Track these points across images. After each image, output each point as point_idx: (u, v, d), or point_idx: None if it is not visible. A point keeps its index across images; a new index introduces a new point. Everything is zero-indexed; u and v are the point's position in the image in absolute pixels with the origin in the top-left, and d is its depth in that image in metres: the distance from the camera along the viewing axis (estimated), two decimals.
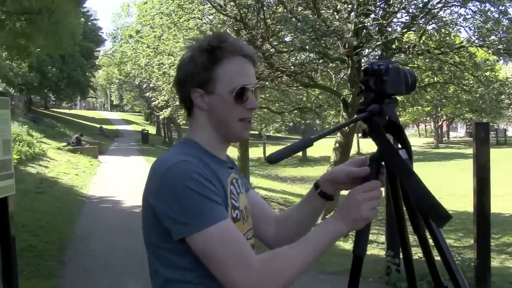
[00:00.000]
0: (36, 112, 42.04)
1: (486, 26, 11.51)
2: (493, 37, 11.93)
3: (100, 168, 21.18)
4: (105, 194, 14.02)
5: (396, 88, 1.43)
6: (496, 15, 11.71)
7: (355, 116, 1.51)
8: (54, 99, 51.45)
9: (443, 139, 56.76)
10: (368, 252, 11.01)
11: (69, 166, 19.02)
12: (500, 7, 11.58)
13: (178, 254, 1.39)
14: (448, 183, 24.67)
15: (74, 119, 48.69)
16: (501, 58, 15.03)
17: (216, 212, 1.34)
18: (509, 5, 11.48)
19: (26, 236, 8.26)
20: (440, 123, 52.15)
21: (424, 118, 53.56)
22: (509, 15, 11.50)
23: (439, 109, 37.55)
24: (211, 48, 1.50)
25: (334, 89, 14.93)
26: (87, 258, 7.66)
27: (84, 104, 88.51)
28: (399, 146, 1.51)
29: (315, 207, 1.72)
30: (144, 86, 33.71)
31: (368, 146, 43.75)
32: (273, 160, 1.36)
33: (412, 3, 11.82)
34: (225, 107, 1.50)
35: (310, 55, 13.86)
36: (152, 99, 29.70)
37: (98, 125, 46.25)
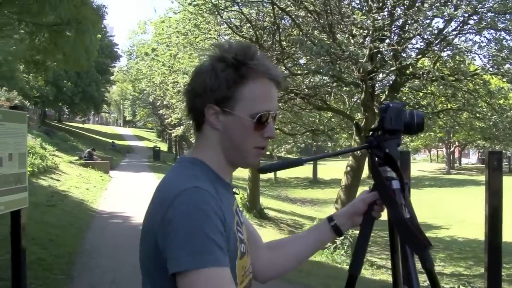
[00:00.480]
0: (50, 125, 42.38)
1: (501, 55, 11.52)
2: (507, 65, 11.94)
3: (111, 183, 21.26)
4: (115, 210, 14.06)
5: (394, 125, 1.59)
6: (511, 44, 11.74)
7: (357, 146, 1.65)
8: (68, 112, 51.86)
9: (455, 165, 56.45)
10: (377, 278, 10.94)
11: (81, 180, 19.11)
12: None
13: None
14: (459, 210, 24.50)
15: (87, 133, 49.03)
16: None
17: (215, 255, 1.18)
18: None
19: (36, 249, 8.29)
20: (452, 149, 51.92)
21: (436, 143, 53.36)
22: None
23: (451, 135, 37.41)
24: (237, 63, 1.34)
25: (347, 112, 14.96)
26: (95, 273, 7.67)
27: (97, 118, 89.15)
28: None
29: (323, 241, 1.69)
30: (157, 104, 33.95)
31: None
32: (263, 170, 1.55)
33: (427, 29, 11.86)
34: (242, 132, 1.36)
35: (324, 78, 13.94)
36: (165, 116, 29.94)
37: (110, 140, 46.49)
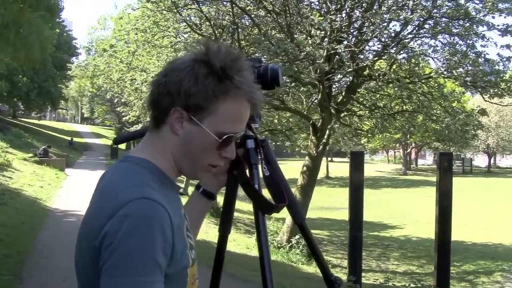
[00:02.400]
0: (3, 121, 41.28)
1: (454, 59, 11.85)
2: (460, 69, 12.28)
3: (66, 181, 20.85)
4: (70, 208, 13.78)
5: None
6: (464, 49, 12.07)
7: None
8: (23, 108, 50.63)
9: (412, 166, 57.51)
10: None
11: (34, 178, 18.67)
12: (468, 41, 11.94)
13: None
14: (414, 210, 24.99)
15: (43, 130, 47.93)
16: (467, 89, 15.42)
17: (152, 277, 1.09)
18: (476, 40, 11.82)
19: None
20: (409, 150, 52.87)
21: (393, 144, 54.28)
22: (476, 49, 11.85)
23: (408, 136, 38.12)
24: (223, 75, 1.22)
25: (305, 113, 15.07)
26: (47, 273, 7.50)
27: (54, 115, 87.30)
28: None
29: (201, 210, 1.65)
30: (115, 101, 33.51)
31: (336, 170, 44.09)
32: (117, 142, 1.67)
33: (384, 32, 12.08)
34: (202, 146, 1.25)
35: (282, 78, 14.01)
36: (123, 114, 29.55)
37: (67, 137, 45.60)
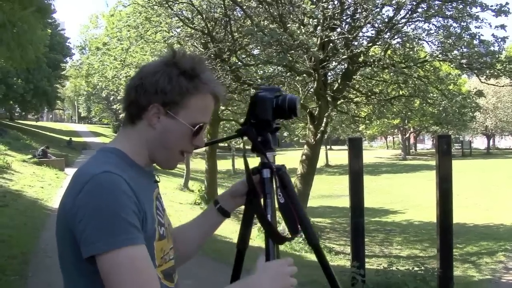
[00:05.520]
0: (1, 124, 41.21)
1: (449, 41, 11.81)
2: (455, 51, 12.23)
3: (67, 181, 20.74)
4: None
5: (261, 115, 1.66)
6: (458, 31, 12.03)
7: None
8: (19, 110, 50.51)
9: (411, 151, 57.56)
10: (335, 263, 11.08)
11: (35, 179, 18.66)
12: (462, 23, 11.91)
13: (87, 277, 1.28)
14: (415, 194, 24.99)
15: (41, 131, 47.83)
16: (463, 72, 15.39)
17: (130, 235, 1.22)
18: (470, 21, 11.78)
19: None
20: (407, 135, 52.89)
21: (392, 130, 54.31)
22: (470, 31, 11.81)
23: (406, 121, 38.15)
24: (192, 74, 1.42)
25: (301, 102, 15.04)
26: (51, 273, 7.50)
27: (51, 116, 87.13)
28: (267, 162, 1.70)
29: (214, 224, 1.78)
30: (111, 98, 33.45)
31: (336, 158, 44.11)
32: None
33: (377, 18, 12.03)
34: (178, 136, 1.44)
35: (277, 68, 13.99)
36: (119, 111, 29.49)
37: (65, 137, 45.50)
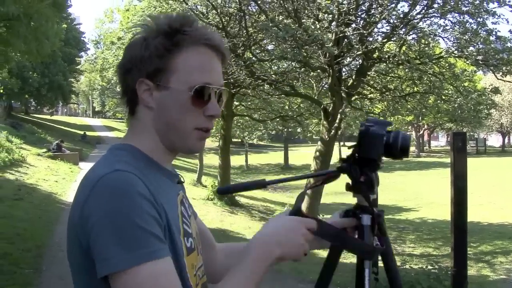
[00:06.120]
0: (17, 118, 41.55)
1: (465, 37, 11.69)
2: (471, 48, 12.12)
3: (81, 175, 20.87)
4: None
5: (370, 154, 1.43)
6: (475, 27, 11.91)
7: (329, 170, 1.52)
8: (35, 104, 50.90)
9: (425, 148, 57.25)
10: (348, 261, 11.04)
11: (49, 172, 18.81)
12: (479, 19, 11.78)
13: None
14: (428, 192, 24.85)
15: (55, 125, 48.22)
16: (479, 68, 15.24)
17: (151, 247, 1.02)
18: (487, 17, 11.65)
19: (2, 243, 8.15)
20: (421, 132, 52.58)
21: (406, 127, 54.01)
22: (486, 27, 11.68)
23: (420, 118, 37.89)
24: (171, 31, 1.18)
25: (315, 97, 15.00)
26: (64, 266, 7.50)
27: (65, 110, 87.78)
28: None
29: None
30: None
31: None
32: (220, 192, 1.43)
33: (393, 13, 11.94)
34: (179, 108, 1.18)
35: (291, 63, 13.95)
36: None
37: (79, 131, 45.81)
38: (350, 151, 1.44)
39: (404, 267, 7.24)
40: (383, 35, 13.26)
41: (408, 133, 1.31)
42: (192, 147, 1.23)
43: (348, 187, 1.46)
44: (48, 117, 55.71)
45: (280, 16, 12.52)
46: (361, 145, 1.42)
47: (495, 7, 11.60)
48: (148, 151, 1.21)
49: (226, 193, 1.46)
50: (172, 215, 1.15)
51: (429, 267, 6.78)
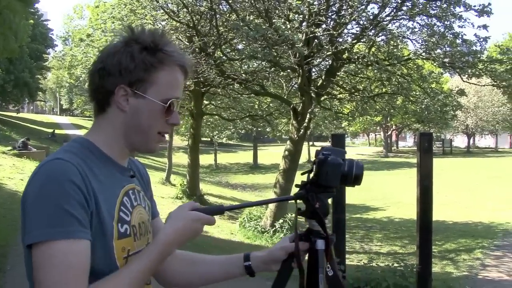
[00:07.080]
0: None
1: (432, 40, 11.91)
2: (438, 50, 12.35)
3: None
4: None
5: (329, 182, 1.49)
6: (442, 30, 12.13)
7: (291, 195, 1.58)
8: (0, 101, 49.92)
9: (392, 148, 57.90)
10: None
11: (14, 171, 18.45)
12: (446, 22, 12.01)
13: (30, 265, 1.22)
14: (396, 191, 25.19)
15: (22, 123, 47.30)
16: (446, 70, 15.52)
17: (69, 227, 1.16)
18: (454, 21, 11.88)
19: None
20: (389, 132, 53.17)
21: (374, 127, 54.58)
22: (453, 30, 11.92)
23: (388, 119, 38.35)
24: (154, 48, 1.34)
25: (285, 97, 15.07)
26: None
27: (32, 107, 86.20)
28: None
29: (234, 274, 1.64)
30: None
31: None
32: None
33: (363, 15, 12.09)
34: (150, 116, 1.35)
35: (262, 63, 13.99)
36: None
37: (47, 129, 45.08)
38: (305, 177, 1.53)
39: (371, 264, 7.32)
40: (353, 36, 13.41)
41: (359, 161, 1.36)
42: (152, 148, 1.42)
43: (301, 213, 1.53)
44: (14, 114, 54.62)
45: (251, 16, 12.55)
46: (320, 174, 1.48)
47: (461, 11, 11.84)
48: (105, 147, 1.38)
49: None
50: (108, 202, 1.30)
51: (395, 264, 6.88)
